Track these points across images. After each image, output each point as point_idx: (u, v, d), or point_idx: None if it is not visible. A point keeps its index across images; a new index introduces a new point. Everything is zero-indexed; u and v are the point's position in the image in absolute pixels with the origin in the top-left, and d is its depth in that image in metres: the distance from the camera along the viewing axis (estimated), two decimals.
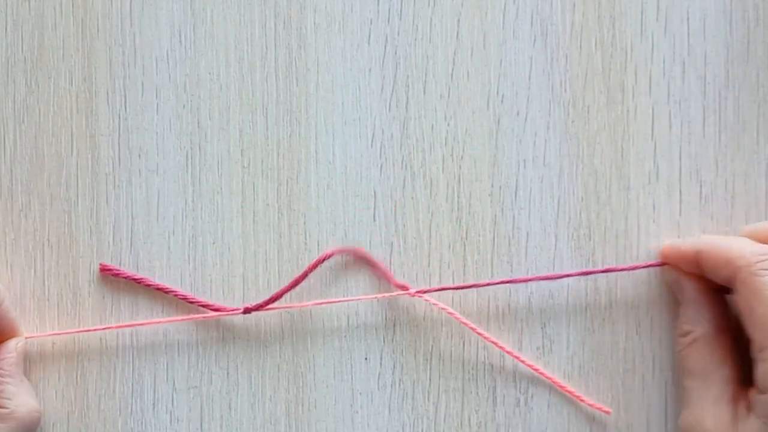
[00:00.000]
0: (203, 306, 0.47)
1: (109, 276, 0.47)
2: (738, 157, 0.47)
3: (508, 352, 0.47)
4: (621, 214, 0.47)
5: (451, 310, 0.46)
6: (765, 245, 0.43)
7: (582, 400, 0.47)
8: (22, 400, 0.45)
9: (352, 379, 0.47)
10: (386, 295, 0.47)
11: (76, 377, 0.47)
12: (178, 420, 0.47)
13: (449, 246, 0.47)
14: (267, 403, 0.47)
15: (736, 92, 0.48)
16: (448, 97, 0.48)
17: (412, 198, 0.47)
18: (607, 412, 0.47)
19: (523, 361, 0.47)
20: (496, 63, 0.48)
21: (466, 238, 0.47)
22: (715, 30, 0.48)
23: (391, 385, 0.47)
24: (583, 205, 0.47)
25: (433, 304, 0.47)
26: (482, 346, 0.47)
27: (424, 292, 0.47)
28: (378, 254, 0.47)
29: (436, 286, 0.47)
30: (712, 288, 0.45)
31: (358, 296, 0.47)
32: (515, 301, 0.47)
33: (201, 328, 0.47)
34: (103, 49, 0.47)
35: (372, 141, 0.48)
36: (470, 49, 0.48)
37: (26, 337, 0.46)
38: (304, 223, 0.47)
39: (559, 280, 0.47)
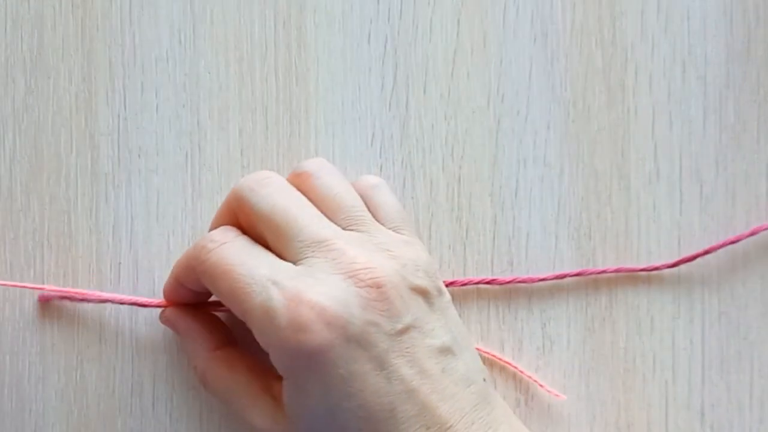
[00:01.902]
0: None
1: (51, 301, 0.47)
2: (738, 157, 0.48)
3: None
4: (621, 214, 0.47)
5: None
6: (211, 233, 0.42)
7: (540, 386, 0.46)
8: None
9: None
10: None
11: (76, 377, 0.47)
12: (177, 420, 0.47)
13: (449, 246, 0.47)
14: None
15: (736, 92, 0.48)
16: (448, 96, 0.48)
17: (412, 198, 0.47)
18: (561, 398, 0.46)
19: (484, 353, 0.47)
20: (496, 63, 0.48)
21: (466, 238, 0.47)
22: (715, 30, 0.48)
23: None
24: (583, 205, 0.48)
25: None
26: (482, 346, 0.47)
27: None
28: None
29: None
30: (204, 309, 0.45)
31: None
32: (515, 301, 0.47)
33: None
34: (103, 49, 0.47)
35: (372, 141, 0.48)
36: (470, 49, 0.48)
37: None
38: None
39: (558, 280, 0.47)
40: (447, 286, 0.46)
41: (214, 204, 0.47)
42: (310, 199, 0.42)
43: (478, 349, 0.46)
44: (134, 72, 0.47)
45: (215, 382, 0.44)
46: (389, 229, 0.43)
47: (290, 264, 0.40)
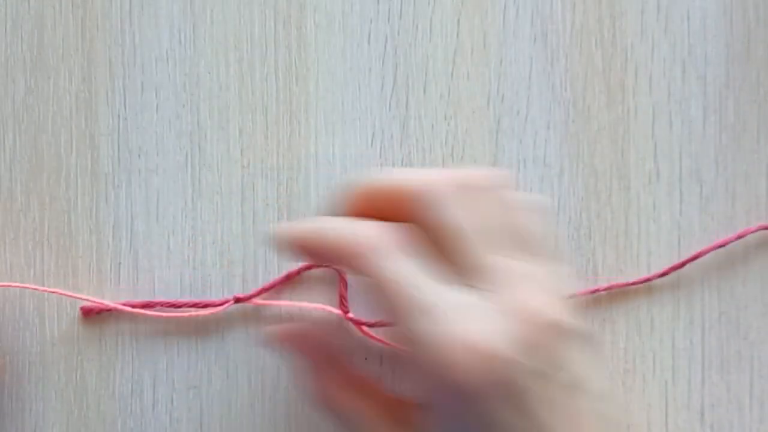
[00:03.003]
0: (191, 306, 0.47)
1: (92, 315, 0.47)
2: (738, 157, 0.48)
3: None
4: (621, 214, 0.47)
5: (380, 338, 0.47)
6: (365, 224, 0.39)
7: None
8: None
9: None
10: (333, 311, 0.47)
11: (76, 377, 0.47)
12: (177, 420, 0.47)
13: None
14: (267, 403, 0.47)
15: (736, 92, 0.48)
16: (448, 97, 0.48)
17: None
18: None
19: None
20: (496, 63, 0.48)
21: None
22: (715, 30, 0.48)
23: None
24: (583, 205, 0.47)
25: (369, 336, 0.47)
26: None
27: (371, 325, 0.47)
28: None
29: (378, 320, 0.47)
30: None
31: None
32: None
33: (201, 328, 0.47)
34: (103, 49, 0.47)
35: (372, 141, 0.48)
36: (470, 49, 0.48)
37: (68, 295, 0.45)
38: None
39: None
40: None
41: (214, 204, 0.47)
42: (480, 213, 0.39)
43: None
44: (134, 72, 0.47)
45: (342, 404, 0.42)
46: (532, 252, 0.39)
47: (456, 290, 0.37)
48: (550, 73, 0.48)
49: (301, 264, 0.47)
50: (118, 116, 0.47)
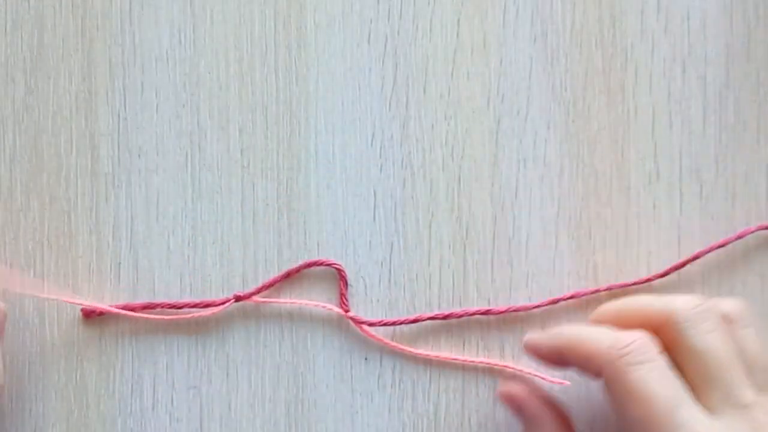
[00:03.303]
0: (192, 306, 0.47)
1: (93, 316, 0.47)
2: (738, 157, 0.48)
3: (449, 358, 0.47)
4: (621, 214, 0.47)
5: (379, 336, 0.47)
6: (625, 333, 0.40)
7: (543, 378, 0.46)
8: None
9: (352, 379, 0.47)
10: (333, 309, 0.47)
11: (76, 377, 0.47)
12: (177, 420, 0.47)
13: (449, 246, 0.47)
14: (267, 403, 0.47)
15: (736, 92, 0.48)
16: (448, 97, 0.48)
17: (412, 198, 0.47)
18: (566, 384, 0.46)
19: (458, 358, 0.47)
20: (496, 63, 0.48)
21: (466, 238, 0.47)
22: (715, 30, 0.48)
23: (391, 385, 0.47)
24: (583, 205, 0.48)
25: (368, 335, 0.47)
26: (482, 347, 0.47)
27: (371, 324, 0.47)
28: (378, 254, 0.47)
29: (386, 320, 0.47)
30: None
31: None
32: (516, 302, 0.47)
33: (201, 327, 0.47)
34: (103, 49, 0.47)
35: (372, 141, 0.48)
36: (470, 49, 0.48)
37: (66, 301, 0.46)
38: (304, 223, 0.47)
39: (558, 280, 0.47)
40: (443, 318, 0.46)
41: (214, 204, 0.47)
42: (734, 345, 0.40)
43: (472, 361, 0.46)
44: (134, 72, 0.47)
45: None
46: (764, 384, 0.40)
47: (707, 416, 0.38)
48: (550, 73, 0.48)
49: (301, 262, 0.47)
50: (118, 116, 0.47)
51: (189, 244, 0.47)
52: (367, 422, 0.47)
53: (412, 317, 0.47)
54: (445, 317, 0.47)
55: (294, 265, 0.47)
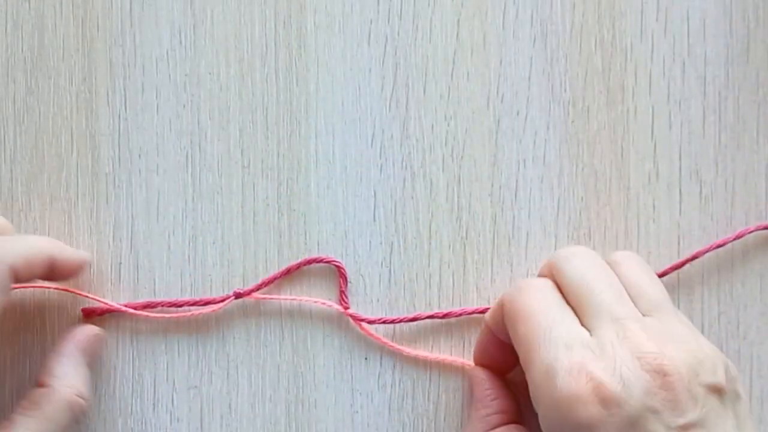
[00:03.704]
0: (192, 304, 0.47)
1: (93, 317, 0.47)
2: (738, 157, 0.48)
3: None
4: (621, 214, 0.47)
5: (378, 335, 0.47)
6: (529, 279, 0.44)
7: None
8: (69, 382, 0.43)
9: (352, 379, 0.47)
10: (333, 305, 0.47)
11: None
12: (178, 420, 0.47)
13: (449, 246, 0.47)
14: (267, 403, 0.47)
15: (736, 92, 0.48)
16: (448, 97, 0.48)
17: (412, 198, 0.47)
18: None
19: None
20: (496, 63, 0.48)
21: (466, 238, 0.47)
22: (715, 30, 0.48)
23: (391, 385, 0.47)
24: (583, 205, 0.48)
25: (366, 333, 0.47)
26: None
27: (370, 322, 0.47)
28: (378, 254, 0.47)
29: (385, 317, 0.47)
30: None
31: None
32: None
33: (201, 327, 0.47)
34: (103, 49, 0.48)
35: (372, 141, 0.48)
36: (470, 49, 0.48)
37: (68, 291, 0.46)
38: (304, 223, 0.47)
39: None
40: (442, 317, 0.46)
41: (214, 204, 0.47)
42: (602, 270, 0.43)
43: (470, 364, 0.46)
44: (134, 72, 0.48)
45: None
46: (647, 309, 0.42)
47: (585, 332, 0.40)
48: (550, 73, 0.48)
49: (301, 259, 0.47)
50: (119, 116, 0.47)
51: (189, 244, 0.47)
52: (367, 422, 0.47)
53: (410, 315, 0.47)
54: (444, 316, 0.47)
55: (294, 261, 0.47)
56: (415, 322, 0.47)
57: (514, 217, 0.47)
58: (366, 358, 0.47)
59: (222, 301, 0.47)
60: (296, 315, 0.47)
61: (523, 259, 0.47)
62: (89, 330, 0.45)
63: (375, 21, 0.48)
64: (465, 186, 0.47)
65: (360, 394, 0.47)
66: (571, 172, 0.48)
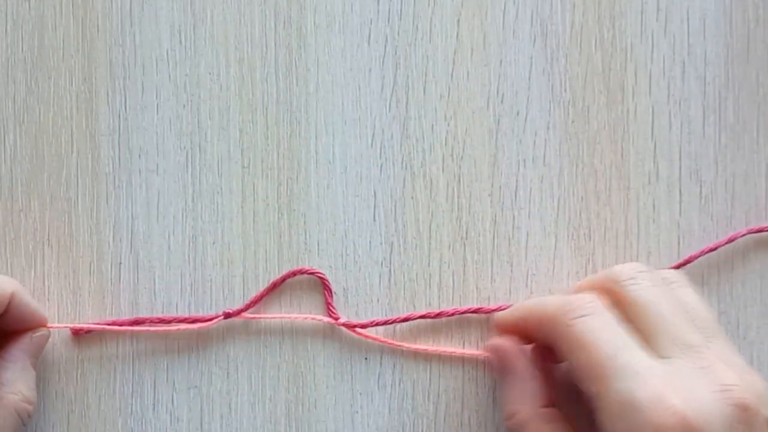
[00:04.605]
0: (180, 321, 0.47)
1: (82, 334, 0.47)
2: (738, 157, 0.48)
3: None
4: (621, 214, 0.47)
5: (377, 336, 0.47)
6: (576, 295, 0.42)
7: None
8: (16, 388, 0.44)
9: (352, 379, 0.47)
10: (323, 319, 0.47)
11: (76, 377, 0.47)
12: (178, 420, 0.47)
13: (449, 246, 0.47)
14: (267, 403, 0.47)
15: (736, 92, 0.48)
16: (448, 97, 0.48)
17: (412, 198, 0.47)
18: None
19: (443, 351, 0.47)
20: (496, 63, 0.48)
21: (466, 238, 0.47)
22: (715, 30, 0.48)
23: (391, 385, 0.47)
24: (583, 205, 0.48)
25: (363, 336, 0.47)
26: (482, 347, 0.47)
27: (363, 326, 0.47)
28: (378, 254, 0.47)
29: (377, 320, 0.47)
30: (540, 361, 0.45)
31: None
32: (515, 301, 0.47)
33: (201, 328, 0.47)
34: (103, 49, 0.48)
35: (372, 141, 0.48)
36: (470, 49, 0.48)
37: (49, 327, 0.46)
38: (304, 223, 0.47)
39: (558, 280, 0.47)
40: (435, 317, 0.47)
41: (214, 204, 0.47)
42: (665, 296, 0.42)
43: (463, 352, 0.46)
44: (134, 72, 0.48)
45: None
46: (706, 335, 0.41)
47: (653, 359, 0.39)
48: (550, 73, 0.48)
49: (285, 272, 0.47)
50: (119, 116, 0.47)
51: (189, 244, 0.47)
52: (367, 422, 0.47)
53: (403, 316, 0.47)
54: (437, 315, 0.47)
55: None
56: (415, 323, 0.47)
57: (514, 217, 0.47)
58: (366, 358, 0.47)
59: (210, 320, 0.47)
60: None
61: (523, 259, 0.47)
62: (30, 333, 0.45)
63: (375, 21, 0.48)
64: (465, 186, 0.47)
65: (360, 394, 0.47)
66: (571, 172, 0.48)
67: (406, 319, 0.47)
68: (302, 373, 0.47)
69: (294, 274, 0.47)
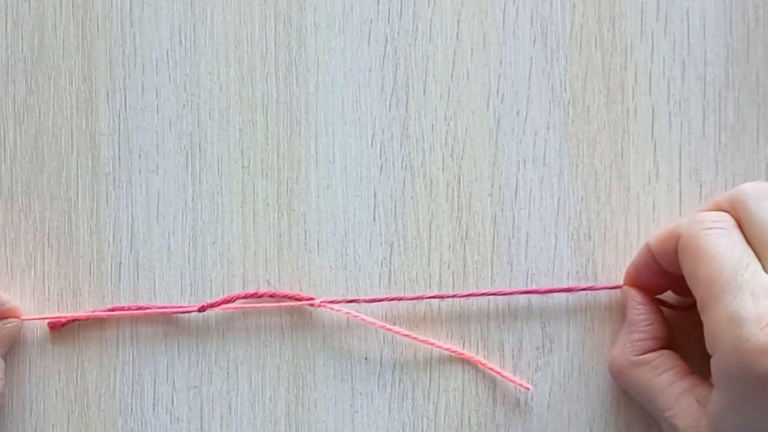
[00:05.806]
0: (160, 309, 0.47)
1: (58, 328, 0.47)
2: (738, 157, 0.48)
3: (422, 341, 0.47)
4: (621, 214, 0.47)
5: (357, 314, 0.47)
6: (710, 212, 0.42)
7: (503, 376, 0.46)
8: None
9: (352, 379, 0.47)
10: (294, 304, 0.47)
11: (76, 377, 0.47)
12: (178, 420, 0.47)
13: (449, 246, 0.47)
14: (267, 403, 0.47)
15: (736, 92, 0.48)
16: (448, 97, 0.48)
17: (412, 198, 0.47)
18: (527, 388, 0.46)
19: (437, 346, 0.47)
20: (496, 63, 0.48)
21: (466, 238, 0.47)
22: (715, 30, 0.48)
23: (391, 385, 0.47)
24: (583, 205, 0.48)
25: (338, 311, 0.47)
26: (482, 346, 0.47)
27: (330, 302, 0.47)
28: (378, 254, 0.47)
29: (345, 298, 0.47)
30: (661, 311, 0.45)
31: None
32: (515, 301, 0.47)
33: (201, 327, 0.47)
34: (103, 49, 0.48)
35: (372, 141, 0.48)
36: (470, 49, 0.48)
37: (22, 319, 0.46)
38: (304, 223, 0.47)
39: (558, 280, 0.47)
40: (397, 299, 0.47)
41: (214, 204, 0.47)
42: None
43: (439, 346, 0.46)
44: (134, 72, 0.48)
45: (635, 381, 0.44)
46: None
47: None
48: (550, 73, 0.48)
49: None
50: (119, 116, 0.48)
51: (189, 244, 0.47)
52: (367, 422, 0.47)
53: (369, 298, 0.47)
54: (399, 299, 0.47)
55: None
56: (415, 321, 0.47)
57: (514, 217, 0.47)
58: (366, 358, 0.47)
59: (188, 312, 0.47)
60: (296, 315, 0.47)
61: (523, 259, 0.47)
62: (5, 322, 0.45)
63: (375, 21, 0.48)
64: (465, 186, 0.47)
65: (360, 394, 0.47)
66: (571, 172, 0.48)
67: (372, 300, 0.47)
68: (302, 373, 0.47)
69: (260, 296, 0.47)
